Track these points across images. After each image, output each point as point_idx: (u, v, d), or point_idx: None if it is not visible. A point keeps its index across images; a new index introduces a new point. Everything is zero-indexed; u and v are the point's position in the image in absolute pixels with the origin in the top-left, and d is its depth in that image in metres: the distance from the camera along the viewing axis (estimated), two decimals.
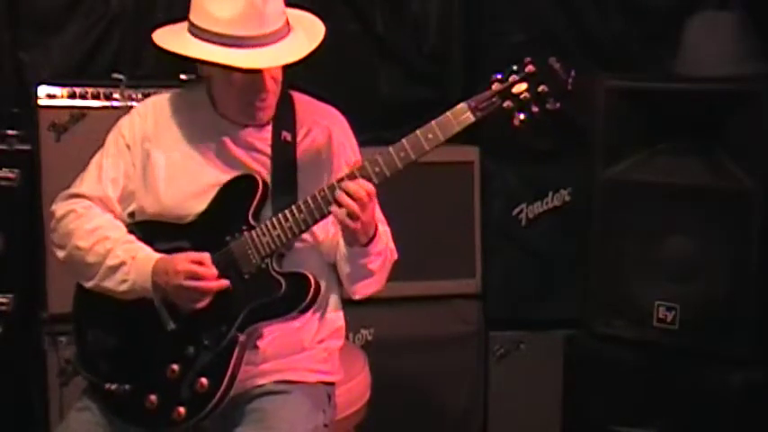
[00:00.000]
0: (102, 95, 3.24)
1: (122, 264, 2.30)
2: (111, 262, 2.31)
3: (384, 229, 2.39)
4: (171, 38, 2.34)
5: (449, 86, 3.87)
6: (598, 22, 3.71)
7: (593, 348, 3.19)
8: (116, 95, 3.24)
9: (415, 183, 3.31)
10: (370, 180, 2.23)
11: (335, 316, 2.54)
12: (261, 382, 2.37)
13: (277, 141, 2.40)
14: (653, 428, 3.01)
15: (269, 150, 2.40)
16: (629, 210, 3.08)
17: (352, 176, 2.23)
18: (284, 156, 2.39)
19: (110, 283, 2.31)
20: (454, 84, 3.87)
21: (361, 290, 2.44)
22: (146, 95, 3.18)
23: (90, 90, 3.23)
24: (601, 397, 3.12)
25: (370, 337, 3.48)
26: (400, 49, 3.81)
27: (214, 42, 2.25)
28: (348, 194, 2.19)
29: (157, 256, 2.31)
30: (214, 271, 2.27)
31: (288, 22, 2.33)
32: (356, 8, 3.70)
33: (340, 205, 2.20)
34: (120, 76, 3.26)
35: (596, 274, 3.18)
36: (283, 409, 2.30)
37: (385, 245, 2.38)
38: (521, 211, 3.65)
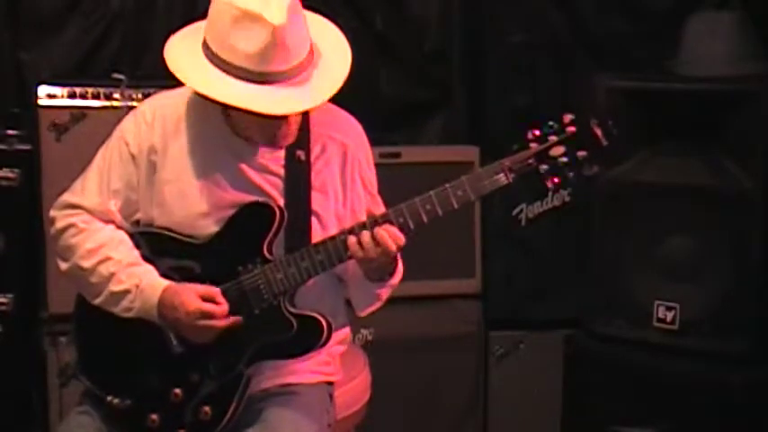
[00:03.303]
0: (102, 95, 3.23)
1: (127, 292, 2.23)
2: (114, 288, 2.25)
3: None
4: (188, 66, 2.19)
5: (449, 86, 3.88)
6: (598, 23, 3.71)
7: (593, 348, 3.19)
8: (116, 95, 3.23)
9: (415, 183, 3.29)
10: None
11: (342, 328, 2.50)
12: (264, 386, 2.34)
13: (290, 161, 2.29)
14: (653, 428, 3.01)
15: (282, 171, 2.30)
16: (629, 210, 3.08)
17: (373, 224, 2.18)
18: (298, 177, 2.29)
19: (114, 309, 2.26)
20: (454, 84, 3.88)
21: (366, 311, 2.43)
22: (146, 95, 3.18)
23: (90, 90, 3.22)
24: (601, 397, 3.12)
25: (370, 337, 3.47)
26: (400, 49, 3.81)
27: (236, 76, 2.13)
28: (360, 243, 2.15)
29: (163, 284, 2.23)
30: (225, 307, 2.21)
31: (312, 50, 2.22)
32: (356, 8, 3.71)
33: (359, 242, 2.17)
34: (120, 76, 3.26)
35: (596, 274, 3.18)
36: (288, 411, 2.27)
37: (399, 277, 2.33)
38: (521, 211, 3.65)
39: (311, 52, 2.22)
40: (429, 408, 3.59)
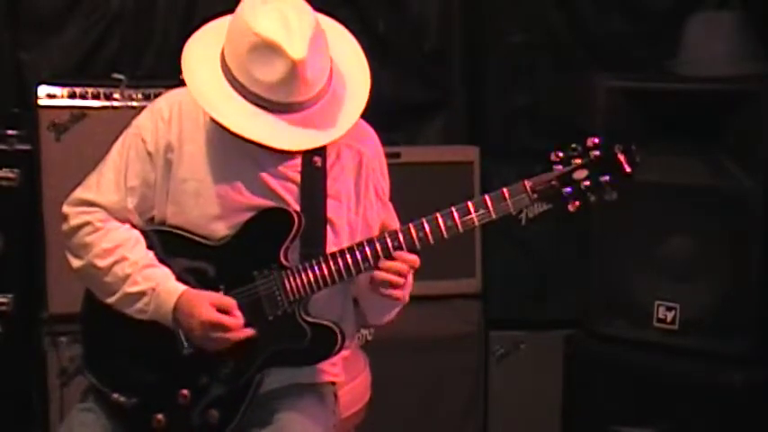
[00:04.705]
0: (102, 95, 3.23)
1: (142, 294, 2.21)
2: (130, 289, 2.22)
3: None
4: (205, 82, 2.16)
5: (449, 86, 3.88)
6: (598, 23, 3.71)
7: (593, 348, 3.19)
8: (116, 95, 3.23)
9: (415, 183, 3.31)
10: (413, 245, 2.18)
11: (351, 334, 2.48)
12: (272, 387, 2.31)
13: (307, 167, 2.27)
14: (653, 428, 3.01)
15: (298, 178, 2.27)
16: (629, 210, 3.08)
17: (393, 236, 2.18)
18: (314, 183, 2.27)
19: (127, 310, 2.23)
20: (454, 84, 3.88)
21: (388, 318, 2.41)
22: (146, 95, 3.19)
23: (90, 90, 3.22)
24: (601, 397, 3.13)
25: (369, 337, 3.47)
26: (400, 50, 3.81)
27: (251, 102, 2.11)
28: (389, 270, 2.16)
29: (180, 290, 2.21)
30: (240, 320, 2.18)
31: (331, 74, 2.18)
32: (357, 8, 3.70)
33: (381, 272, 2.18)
34: (120, 76, 3.26)
35: (596, 274, 3.18)
36: (297, 413, 2.26)
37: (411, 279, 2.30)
38: (521, 211, 3.65)
39: (330, 76, 2.19)
40: (429, 408, 3.59)
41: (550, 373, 3.41)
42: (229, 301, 2.20)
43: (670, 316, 3.02)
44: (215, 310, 2.17)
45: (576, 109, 3.28)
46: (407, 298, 2.33)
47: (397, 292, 2.20)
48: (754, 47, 3.25)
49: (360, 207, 2.34)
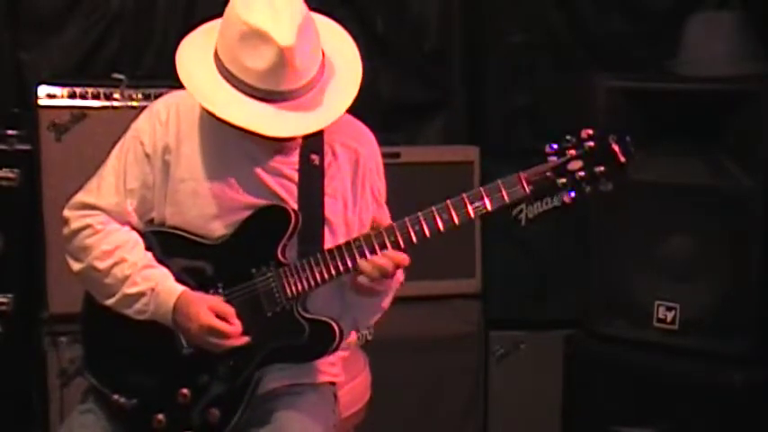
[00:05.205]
0: (102, 95, 3.23)
1: (142, 294, 2.22)
2: (129, 290, 2.23)
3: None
4: (197, 75, 2.17)
5: (449, 86, 3.88)
6: (598, 23, 3.72)
7: (593, 348, 3.19)
8: (116, 95, 3.23)
9: (415, 183, 3.31)
10: (410, 239, 2.19)
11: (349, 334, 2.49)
12: (272, 386, 2.32)
13: (304, 165, 2.28)
14: (653, 428, 3.02)
15: (296, 176, 2.29)
16: (628, 209, 3.08)
17: (389, 232, 2.19)
18: (311, 182, 2.28)
19: (127, 311, 2.24)
20: (454, 84, 3.88)
21: (370, 323, 2.44)
22: (146, 95, 3.19)
23: (90, 90, 3.22)
24: (601, 397, 3.13)
25: (370, 337, 3.47)
26: (400, 49, 3.81)
27: (243, 92, 2.12)
28: (375, 267, 2.17)
29: (179, 290, 2.22)
30: (238, 328, 2.19)
31: (323, 64, 2.19)
32: (356, 8, 3.71)
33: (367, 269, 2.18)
34: (121, 76, 3.26)
35: (596, 274, 3.18)
36: (296, 412, 2.26)
37: (397, 281, 2.32)
38: (520, 211, 3.65)
39: (322, 66, 2.20)
40: (429, 408, 3.59)
41: (550, 373, 3.41)
42: (228, 309, 2.20)
43: (670, 316, 3.02)
44: (213, 315, 2.18)
45: (576, 109, 3.28)
46: (390, 298, 2.36)
47: (377, 286, 2.21)
48: (754, 47, 3.25)
49: (356, 206, 2.35)
